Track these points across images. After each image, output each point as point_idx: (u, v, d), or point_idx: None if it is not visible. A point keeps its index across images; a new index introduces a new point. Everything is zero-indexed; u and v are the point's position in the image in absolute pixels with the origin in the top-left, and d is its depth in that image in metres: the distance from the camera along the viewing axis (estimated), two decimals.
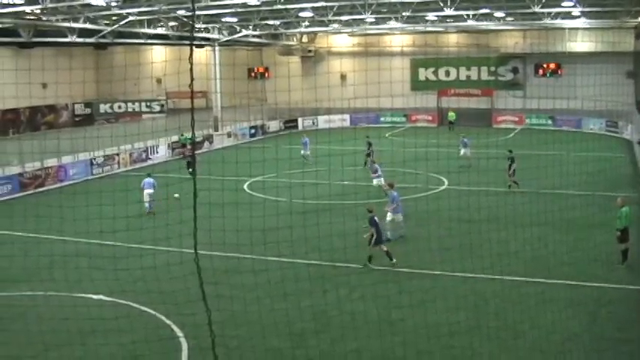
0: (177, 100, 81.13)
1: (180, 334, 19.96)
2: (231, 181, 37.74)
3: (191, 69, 10.85)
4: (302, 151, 50.87)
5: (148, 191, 36.38)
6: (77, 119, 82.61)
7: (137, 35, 60.58)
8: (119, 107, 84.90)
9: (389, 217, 29.12)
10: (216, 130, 67.44)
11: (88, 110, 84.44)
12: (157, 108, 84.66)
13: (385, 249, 26.06)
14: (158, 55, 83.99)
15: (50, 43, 63.80)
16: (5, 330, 19.94)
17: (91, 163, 49.72)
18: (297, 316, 20.27)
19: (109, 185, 41.44)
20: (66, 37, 55.14)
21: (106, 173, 49.83)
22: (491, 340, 18.84)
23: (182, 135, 56.21)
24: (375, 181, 38.79)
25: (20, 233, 31.29)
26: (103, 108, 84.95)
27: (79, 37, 55.70)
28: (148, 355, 18.36)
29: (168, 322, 20.92)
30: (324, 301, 21.86)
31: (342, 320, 20.34)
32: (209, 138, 63.46)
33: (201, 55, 68.97)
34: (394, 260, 25.88)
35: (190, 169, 40.90)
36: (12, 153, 45.02)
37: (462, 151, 47.37)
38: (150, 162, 54.24)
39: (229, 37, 66.53)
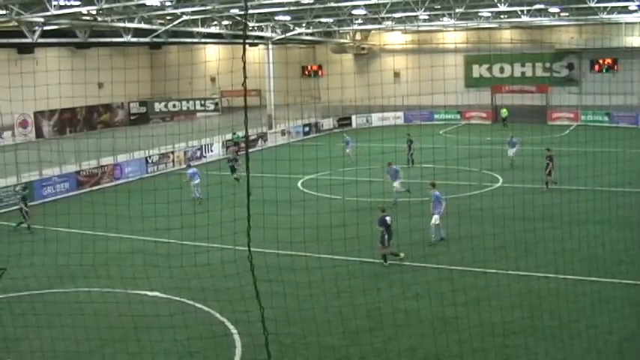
0: (231, 99, 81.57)
1: (234, 331, 20.08)
2: (284, 179, 37.85)
3: (244, 67, 10.89)
4: (347, 150, 50.97)
5: (196, 182, 39.11)
6: (132, 118, 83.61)
7: (191, 34, 61.13)
8: (174, 106, 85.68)
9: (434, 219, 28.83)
10: (270, 128, 67.76)
11: (143, 109, 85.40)
12: (211, 106, 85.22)
13: (383, 251, 26.09)
14: (212, 54, 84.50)
15: (106, 43, 64.81)
16: (63, 326, 20.23)
17: (147, 162, 50.27)
18: (351, 314, 20.24)
19: (163, 183, 41.74)
20: (121, 37, 55.82)
21: (161, 171, 50.31)
22: (547, 339, 18.65)
23: (234, 133, 56.48)
24: (396, 184, 37.01)
25: (77, 230, 31.70)
26: (158, 107, 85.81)
27: (133, 36, 56.36)
28: (202, 352, 18.51)
29: (222, 319, 21.05)
30: (378, 298, 21.83)
31: (396, 318, 20.28)
32: (263, 136, 63.73)
33: (254, 53, 69.17)
34: (387, 263, 25.99)
35: (235, 175, 40.54)
36: (69, 151, 45.64)
37: (510, 152, 46.35)
38: (204, 160, 54.62)
39: (282, 36, 66.79)
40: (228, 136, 57.36)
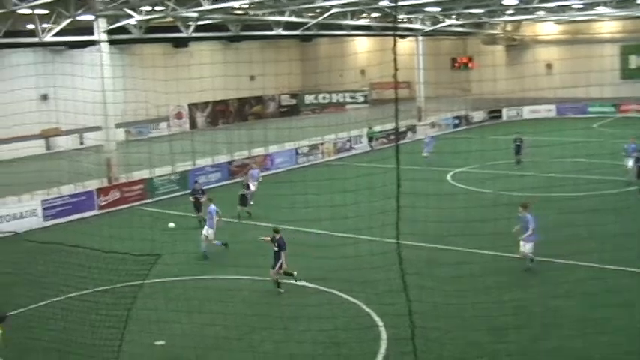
0: (381, 91, 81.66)
1: (380, 323, 20.02)
2: (434, 172, 37.65)
3: (395, 60, 10.85)
4: (424, 153, 47.00)
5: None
6: (283, 110, 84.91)
7: (340, 27, 61.36)
8: (323, 98, 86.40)
9: (522, 246, 24.04)
10: (419, 120, 67.37)
11: (293, 101, 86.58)
12: (361, 98, 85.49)
13: (276, 277, 23.39)
14: (361, 46, 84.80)
15: (257, 37, 65.85)
16: (212, 311, 20.76)
17: (296, 153, 50.87)
18: (499, 310, 19.89)
19: (313, 174, 42.23)
20: (272, 30, 56.61)
21: (310, 162, 50.79)
22: None
23: (370, 128, 56.22)
24: (204, 232, 28.53)
25: (229, 220, 32.46)
26: (308, 99, 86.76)
27: (284, 30, 57.05)
28: (348, 343, 18.58)
29: (368, 310, 21.04)
30: (526, 295, 21.36)
31: (545, 316, 19.80)
32: (412, 128, 63.40)
33: (404, 45, 69.02)
34: (282, 290, 23.47)
35: (246, 208, 34.56)
36: (221, 142, 46.73)
37: (629, 163, 37.06)
38: (353, 152, 54.80)
39: (432, 27, 66.18)
40: (378, 128, 57.18)
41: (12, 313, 22.07)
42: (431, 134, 53.04)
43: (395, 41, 11.17)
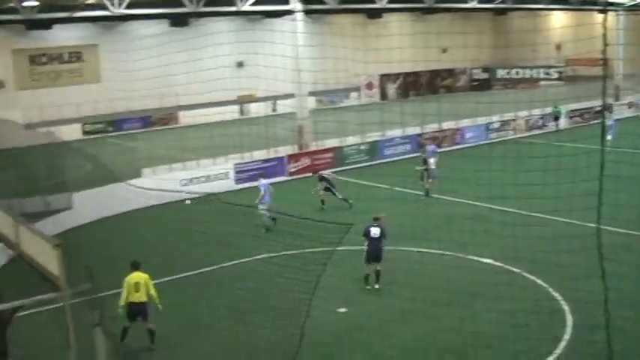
0: (577, 67, 79.09)
1: (565, 308, 19.38)
2: (630, 154, 36.17)
3: (604, 35, 10.41)
4: (608, 136, 41.25)
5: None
6: (474, 84, 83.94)
7: (536, 0, 59.79)
8: (516, 73, 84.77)
9: None
10: (616, 99, 64.71)
11: (485, 75, 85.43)
12: (555, 75, 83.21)
13: (367, 272, 21.67)
14: (557, 21, 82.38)
15: (451, 9, 65.24)
16: (394, 283, 20.84)
17: (487, 128, 49.99)
18: None
19: (504, 150, 41.31)
20: (466, 2, 55.85)
21: (501, 138, 49.72)
22: None
23: (555, 107, 54.24)
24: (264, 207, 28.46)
25: (416, 192, 32.37)
26: (500, 73, 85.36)
27: (479, 2, 56.17)
28: (531, 326, 18.13)
29: (554, 294, 20.42)
30: None
31: None
32: (608, 108, 60.97)
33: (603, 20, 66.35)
34: (377, 286, 21.56)
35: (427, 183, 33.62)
36: (412, 114, 46.64)
37: None
38: (546, 130, 53.28)
39: (635, 1, 63.39)
40: (573, 106, 55.27)
41: (203, 270, 23.13)
42: (614, 117, 50.62)
43: (605, 15, 10.74)
